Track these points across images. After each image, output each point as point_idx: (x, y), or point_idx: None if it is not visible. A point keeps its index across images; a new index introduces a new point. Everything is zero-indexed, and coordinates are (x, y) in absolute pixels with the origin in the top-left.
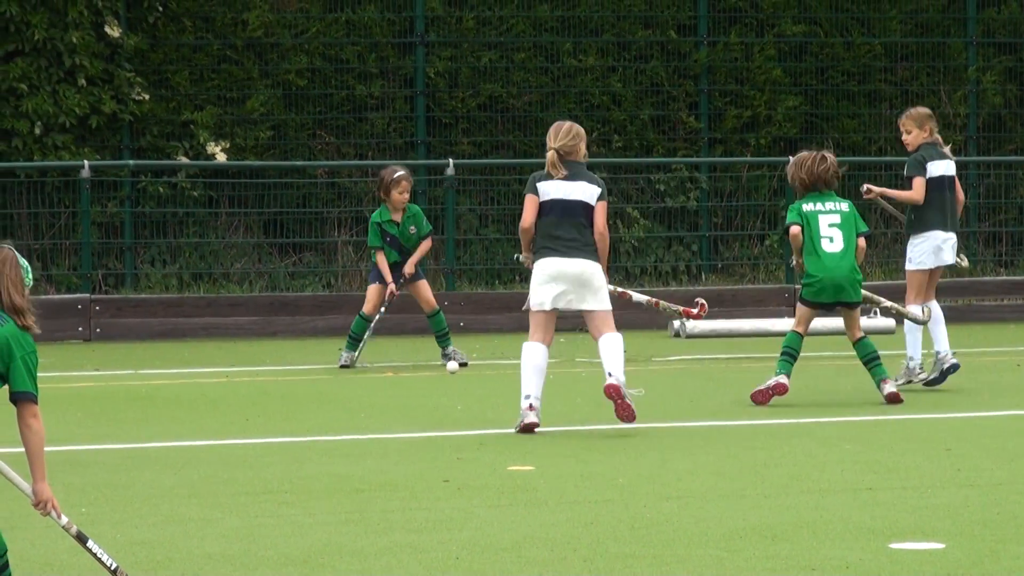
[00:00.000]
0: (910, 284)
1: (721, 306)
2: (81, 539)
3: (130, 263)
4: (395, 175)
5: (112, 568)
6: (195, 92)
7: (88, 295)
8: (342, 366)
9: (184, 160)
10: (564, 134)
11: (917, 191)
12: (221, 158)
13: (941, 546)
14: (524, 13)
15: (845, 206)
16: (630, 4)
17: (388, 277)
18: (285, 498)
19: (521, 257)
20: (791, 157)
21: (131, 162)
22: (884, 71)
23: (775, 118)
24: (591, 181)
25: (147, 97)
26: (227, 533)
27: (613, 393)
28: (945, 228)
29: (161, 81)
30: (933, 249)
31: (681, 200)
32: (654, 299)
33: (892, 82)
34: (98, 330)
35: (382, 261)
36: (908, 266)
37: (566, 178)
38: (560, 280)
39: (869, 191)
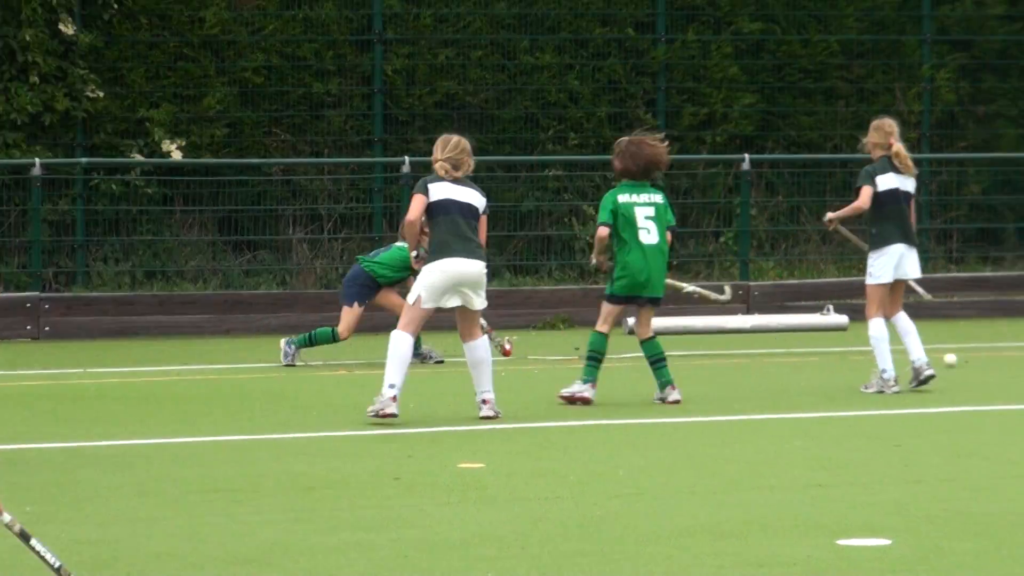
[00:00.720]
0: (870, 298)
1: (676, 303)
2: (24, 537)
3: (82, 261)
4: None
5: (56, 567)
6: (150, 90)
7: (37, 293)
8: (287, 364)
9: (138, 158)
10: (452, 147)
11: (862, 199)
12: (176, 156)
13: (888, 542)
14: (481, 10)
15: (659, 198)
16: (588, 2)
17: None
18: (235, 496)
19: (414, 253)
20: (754, 156)
21: (83, 160)
22: (840, 68)
23: (731, 116)
24: (479, 191)
25: (101, 95)
26: (175, 532)
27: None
28: (904, 241)
29: (116, 79)
30: (894, 263)
31: None
32: (490, 327)
33: (848, 80)
34: (47, 328)
35: None
36: (868, 280)
37: (457, 182)
38: (460, 283)
39: (830, 221)
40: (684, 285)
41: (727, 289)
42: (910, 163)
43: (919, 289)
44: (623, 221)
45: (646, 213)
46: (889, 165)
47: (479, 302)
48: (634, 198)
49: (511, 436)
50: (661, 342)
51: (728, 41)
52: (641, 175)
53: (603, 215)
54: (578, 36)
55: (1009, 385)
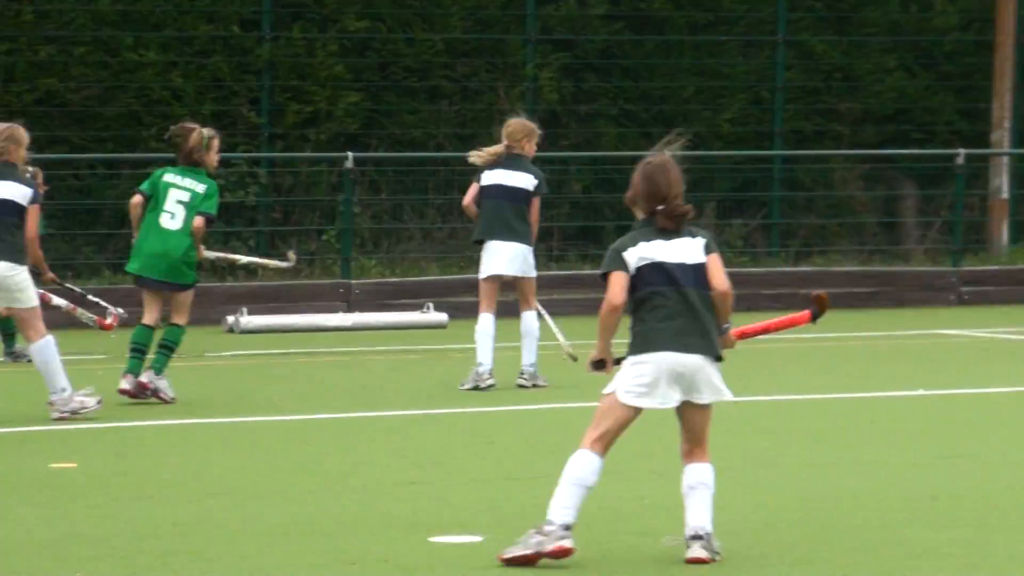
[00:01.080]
0: (479, 292)
1: (276, 301)
2: None
3: None
4: None
5: None
6: None
7: None
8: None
9: None
10: None
11: (464, 198)
12: None
13: (479, 539)
14: (84, 7)
15: (202, 188)
16: None
17: None
18: None
19: None
20: (351, 153)
21: None
22: (444, 67)
23: (336, 114)
24: (21, 182)
25: None
26: None
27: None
28: (492, 237)
29: None
30: (488, 258)
31: (240, 195)
32: (72, 305)
33: (452, 78)
34: None
35: None
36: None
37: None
38: None
39: None
40: (239, 257)
41: (291, 255)
42: (485, 154)
43: (562, 342)
44: (155, 198)
45: (179, 197)
46: (498, 161)
47: (16, 303)
48: (176, 180)
49: (104, 435)
50: (179, 332)
51: (334, 39)
52: (183, 160)
53: (143, 185)
54: (183, 33)
55: (599, 380)
